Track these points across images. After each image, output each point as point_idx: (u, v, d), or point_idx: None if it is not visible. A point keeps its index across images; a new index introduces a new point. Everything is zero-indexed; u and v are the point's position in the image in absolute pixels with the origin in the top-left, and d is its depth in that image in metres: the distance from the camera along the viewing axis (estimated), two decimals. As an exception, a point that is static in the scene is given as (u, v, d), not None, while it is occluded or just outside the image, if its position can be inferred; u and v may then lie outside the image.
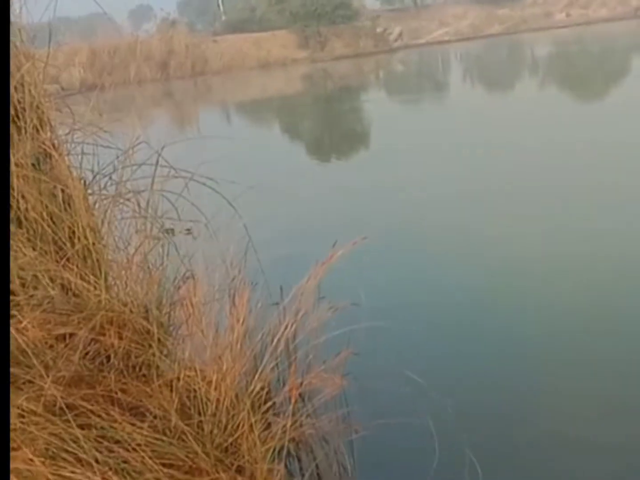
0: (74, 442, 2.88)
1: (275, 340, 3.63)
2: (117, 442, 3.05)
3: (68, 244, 3.70)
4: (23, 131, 3.82)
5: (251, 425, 3.36)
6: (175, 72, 40.14)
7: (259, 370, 3.56)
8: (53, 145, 4.03)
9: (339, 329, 3.97)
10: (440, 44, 48.69)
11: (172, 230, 4.76)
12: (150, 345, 3.44)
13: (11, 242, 3.53)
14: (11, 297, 3.42)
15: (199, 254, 4.09)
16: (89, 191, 4.37)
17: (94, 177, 4.23)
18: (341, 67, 40.95)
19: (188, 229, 5.49)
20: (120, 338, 3.49)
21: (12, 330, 3.15)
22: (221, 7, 59.09)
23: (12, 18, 4.09)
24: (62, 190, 3.88)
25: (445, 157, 13.15)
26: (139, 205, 4.14)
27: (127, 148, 4.67)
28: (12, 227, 3.63)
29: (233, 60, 42.19)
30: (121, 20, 64.41)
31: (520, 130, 14.76)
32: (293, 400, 3.44)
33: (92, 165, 4.50)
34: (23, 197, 3.64)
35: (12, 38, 4.16)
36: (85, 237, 3.70)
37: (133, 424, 3.15)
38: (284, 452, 3.37)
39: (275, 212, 10.09)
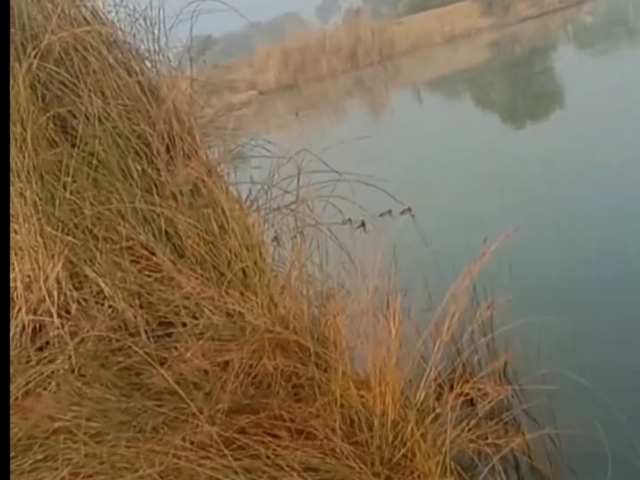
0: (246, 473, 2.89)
1: (437, 346, 3.44)
2: (285, 467, 3.02)
3: (227, 268, 3.74)
4: (175, 161, 3.92)
5: (420, 437, 3.20)
6: (364, 60, 40.36)
7: (424, 379, 3.39)
8: (207, 170, 4.11)
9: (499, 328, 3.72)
10: (630, -12, 45.11)
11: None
12: (310, 364, 3.39)
13: (174, 274, 3.64)
14: (176, 329, 3.53)
15: (354, 259, 3.98)
16: (254, 205, 4.44)
17: (249, 193, 4.26)
18: (527, 28, 39.18)
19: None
20: (282, 358, 3.47)
21: (175, 362, 3.24)
22: (403, -13, 58.75)
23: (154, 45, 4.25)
24: (220, 214, 3.93)
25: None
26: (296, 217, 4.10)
27: (288, 157, 4.66)
28: (173, 257, 3.74)
29: (419, 39, 41.72)
30: (308, 16, 66.23)
31: None
32: (456, 409, 3.24)
33: (259, 177, 4.58)
34: (178, 227, 3.72)
35: (157, 66, 4.33)
36: (241, 260, 3.72)
37: (298, 449, 3.11)
38: (454, 464, 3.18)
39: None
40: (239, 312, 3.60)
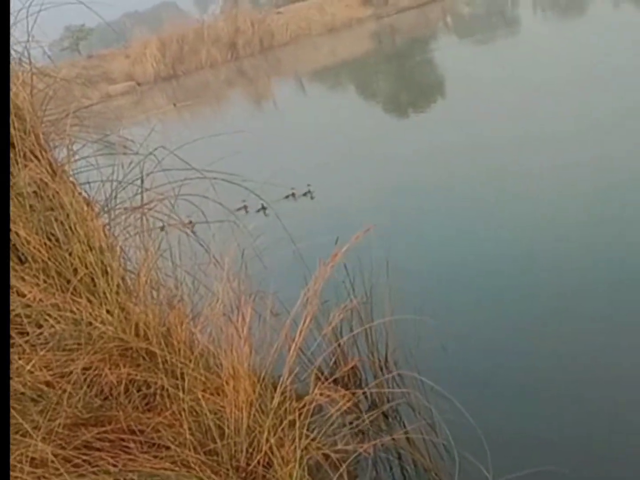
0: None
1: (291, 352, 3.41)
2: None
3: (73, 274, 3.59)
4: (17, 161, 3.72)
5: (276, 444, 3.17)
6: (244, 50, 40.15)
7: (279, 384, 3.36)
8: (52, 170, 3.92)
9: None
10: (506, -24, 46.81)
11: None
12: (160, 372, 3.30)
13: (13, 281, 3.46)
14: (18, 339, 3.35)
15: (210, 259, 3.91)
16: (105, 206, 4.28)
17: (99, 193, 4.10)
18: (407, 19, 40.03)
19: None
20: (131, 367, 3.36)
21: (14, 375, 3.07)
22: (282, -24, 58.70)
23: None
24: (65, 217, 3.76)
25: (520, 97, 12.48)
26: (144, 218, 3.98)
27: (146, 154, 4.52)
28: (14, 264, 3.55)
29: (299, 29, 41.91)
30: (186, 6, 65.19)
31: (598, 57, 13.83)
32: (309, 414, 3.22)
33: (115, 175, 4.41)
34: (19, 232, 3.53)
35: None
36: (87, 265, 3.57)
37: (149, 460, 3.02)
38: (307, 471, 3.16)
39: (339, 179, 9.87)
40: (86, 320, 3.45)
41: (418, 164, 10.11)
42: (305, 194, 9.60)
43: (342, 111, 17.71)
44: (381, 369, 4.48)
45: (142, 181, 4.07)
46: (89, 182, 4.40)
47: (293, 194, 9.57)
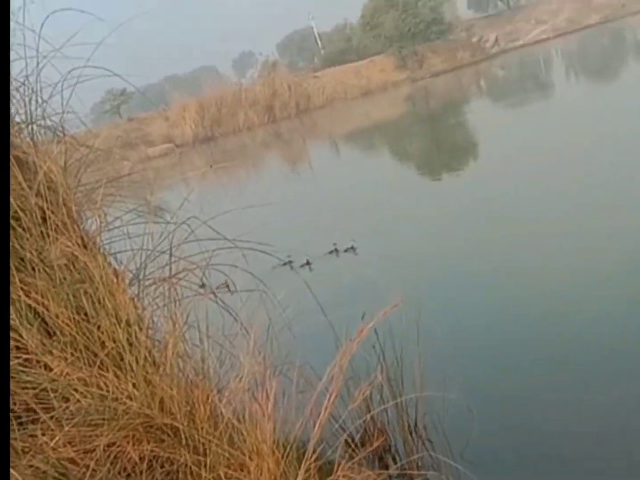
0: None
1: (316, 428, 3.34)
2: None
3: (100, 348, 3.58)
4: (48, 234, 3.76)
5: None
6: (281, 113, 40.86)
7: (304, 461, 3.29)
8: (83, 242, 3.96)
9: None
10: (538, 43, 47.48)
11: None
12: (183, 447, 3.25)
13: (40, 355, 3.46)
14: (43, 415, 3.33)
15: (237, 340, 3.88)
16: (135, 277, 4.29)
17: (130, 263, 4.12)
18: (441, 82, 40.56)
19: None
20: (155, 443, 3.31)
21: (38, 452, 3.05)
22: (319, 42, 60.06)
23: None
24: (95, 290, 3.77)
25: (552, 159, 12.47)
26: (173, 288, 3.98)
27: (177, 224, 4.54)
28: (42, 337, 3.56)
29: (335, 93, 42.60)
30: (225, 70, 66.78)
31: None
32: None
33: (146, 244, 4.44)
34: (49, 305, 3.55)
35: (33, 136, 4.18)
36: (115, 339, 3.56)
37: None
38: None
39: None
40: (112, 395, 3.43)
41: (449, 227, 10.09)
42: (347, 250, 9.88)
43: (376, 172, 17.85)
44: (410, 434, 4.42)
45: (171, 252, 4.09)
46: (119, 252, 4.42)
47: (336, 250, 9.92)
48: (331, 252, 9.89)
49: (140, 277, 4.26)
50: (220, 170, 24.95)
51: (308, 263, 9.55)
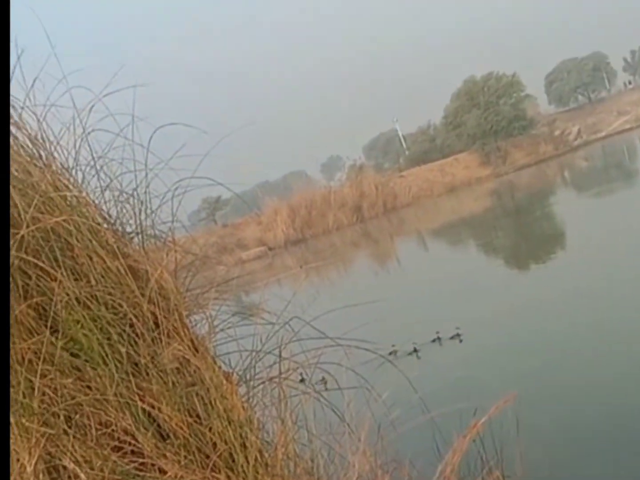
0: None
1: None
2: None
3: (213, 450, 3.62)
4: (161, 339, 3.88)
5: None
6: (368, 212, 41.36)
7: None
8: (194, 346, 4.06)
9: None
10: (620, 133, 47.00)
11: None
12: None
13: (157, 459, 3.52)
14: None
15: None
16: (243, 377, 4.35)
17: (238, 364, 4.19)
18: (525, 176, 40.44)
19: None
20: None
21: None
22: (404, 143, 61.20)
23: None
24: (206, 392, 3.84)
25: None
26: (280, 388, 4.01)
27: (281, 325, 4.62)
28: (156, 441, 3.62)
29: (421, 190, 42.99)
30: (314, 174, 68.46)
31: None
32: None
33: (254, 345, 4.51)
34: (162, 409, 3.63)
35: (143, 244, 4.38)
36: (226, 440, 3.60)
37: None
38: None
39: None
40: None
41: (545, 318, 9.89)
42: (452, 337, 9.97)
43: (464, 265, 17.74)
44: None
45: (280, 351, 4.14)
46: (227, 353, 4.51)
47: (439, 338, 10.02)
48: (434, 340, 10.03)
49: (249, 377, 4.32)
50: (312, 270, 25.25)
51: (415, 351, 9.74)
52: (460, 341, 9.79)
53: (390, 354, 9.28)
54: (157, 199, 4.66)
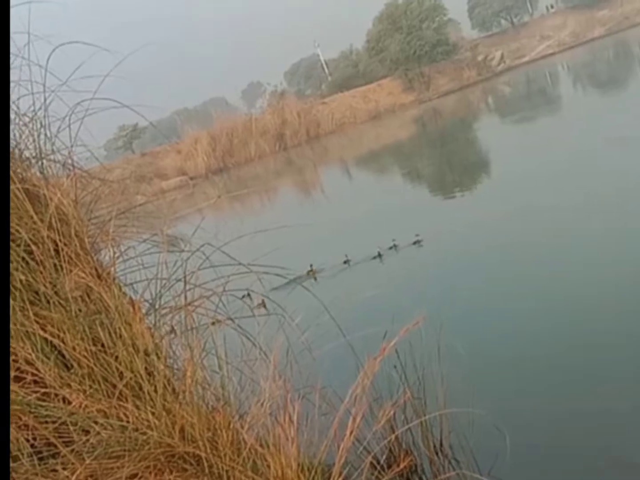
0: None
1: (340, 452, 3.27)
2: None
3: (119, 379, 3.54)
4: (62, 267, 3.73)
5: None
6: (291, 141, 41.07)
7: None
8: (97, 273, 3.93)
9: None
10: (544, 58, 47.73)
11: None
12: (204, 475, 3.19)
13: (58, 389, 3.43)
14: (63, 449, 3.29)
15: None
16: (151, 306, 4.25)
17: (145, 292, 4.08)
18: (449, 102, 40.70)
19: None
20: (178, 472, 3.26)
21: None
22: (326, 69, 60.57)
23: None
24: (111, 320, 3.74)
25: (561, 170, 12.52)
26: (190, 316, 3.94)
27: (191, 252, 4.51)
28: (60, 371, 3.52)
29: (344, 118, 42.83)
30: (234, 101, 67.26)
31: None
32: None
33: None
34: (65, 338, 3.52)
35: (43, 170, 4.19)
36: (132, 369, 3.52)
37: None
38: None
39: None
40: (133, 426, 3.38)
41: (465, 243, 10.08)
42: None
43: (389, 195, 17.83)
44: (437, 453, 4.34)
45: (186, 280, 4.06)
46: (135, 282, 4.40)
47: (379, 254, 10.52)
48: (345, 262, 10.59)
49: (157, 306, 4.23)
50: (234, 199, 25.00)
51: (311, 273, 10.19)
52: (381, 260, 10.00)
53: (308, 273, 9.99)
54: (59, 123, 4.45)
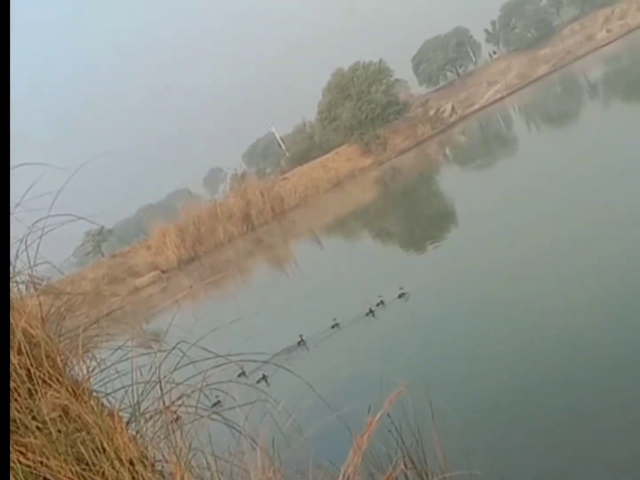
0: None
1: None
2: None
3: (106, 495, 3.46)
4: (36, 390, 3.68)
5: None
6: (258, 220, 41.22)
7: None
8: (74, 390, 3.88)
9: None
10: (494, 103, 48.95)
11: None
12: None
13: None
14: None
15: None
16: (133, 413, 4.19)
17: (121, 400, 4.03)
18: (407, 159, 41.37)
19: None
20: None
21: None
22: (282, 145, 61.38)
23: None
24: (92, 436, 3.67)
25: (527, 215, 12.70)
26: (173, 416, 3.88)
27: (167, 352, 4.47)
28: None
29: (307, 190, 43.26)
30: (197, 190, 67.66)
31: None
32: None
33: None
34: (49, 461, 3.45)
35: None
36: (120, 482, 3.45)
37: None
38: None
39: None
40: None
41: (442, 300, 10.12)
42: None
43: (361, 258, 17.90)
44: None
45: (162, 382, 4.01)
46: (114, 391, 4.34)
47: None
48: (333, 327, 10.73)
49: (137, 413, 4.17)
50: (210, 286, 24.89)
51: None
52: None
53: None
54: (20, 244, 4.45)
